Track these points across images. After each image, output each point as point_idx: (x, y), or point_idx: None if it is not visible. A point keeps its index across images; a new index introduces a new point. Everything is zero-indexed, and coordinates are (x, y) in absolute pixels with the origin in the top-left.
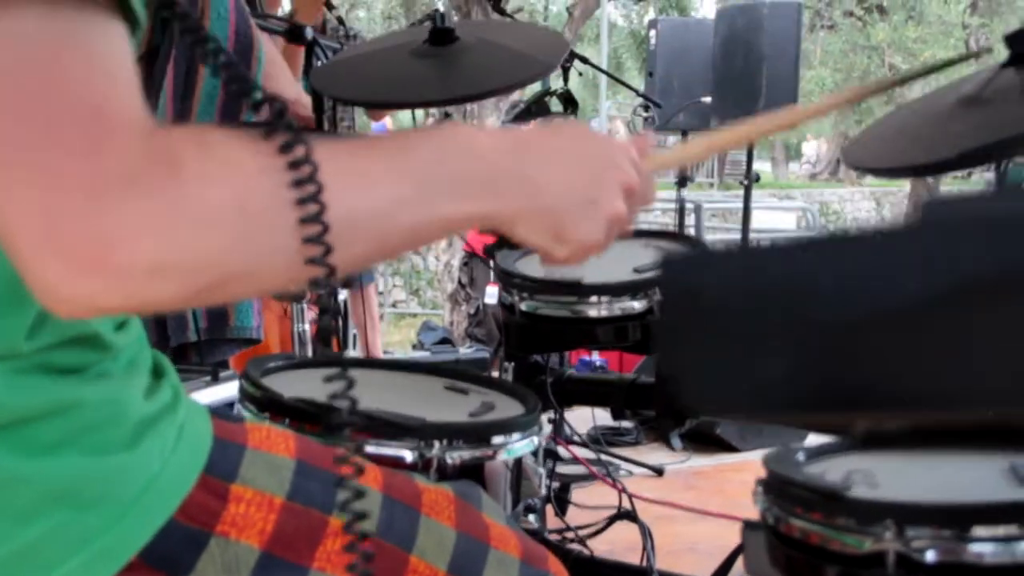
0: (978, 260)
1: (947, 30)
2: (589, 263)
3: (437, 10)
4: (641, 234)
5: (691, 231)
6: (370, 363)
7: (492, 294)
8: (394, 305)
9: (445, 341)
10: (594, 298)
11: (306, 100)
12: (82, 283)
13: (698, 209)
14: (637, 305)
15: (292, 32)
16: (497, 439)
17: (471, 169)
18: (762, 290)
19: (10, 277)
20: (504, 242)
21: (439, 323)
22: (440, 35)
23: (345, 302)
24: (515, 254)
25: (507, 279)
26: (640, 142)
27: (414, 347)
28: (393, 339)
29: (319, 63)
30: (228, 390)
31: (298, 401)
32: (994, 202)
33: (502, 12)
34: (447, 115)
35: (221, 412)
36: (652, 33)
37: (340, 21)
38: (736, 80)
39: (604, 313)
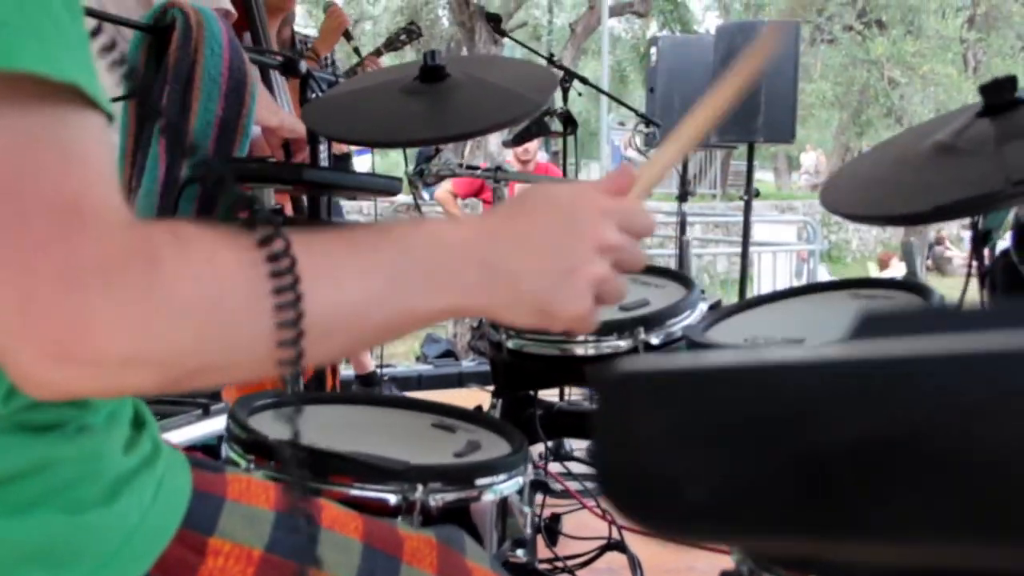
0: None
1: (945, 44)
2: None
3: (433, 51)
4: None
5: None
6: (359, 399)
7: None
8: None
9: (448, 354)
10: (580, 337)
11: (292, 124)
12: (56, 371)
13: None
14: (623, 344)
15: (287, 65)
16: (482, 480)
17: (442, 265)
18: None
19: None
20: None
21: (443, 335)
22: (430, 72)
23: None
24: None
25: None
26: (616, 180)
27: (417, 359)
28: (397, 350)
29: (314, 96)
30: (218, 424)
31: (282, 444)
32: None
33: (502, 33)
34: (437, 150)
35: (204, 461)
36: (653, 50)
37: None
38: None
39: (591, 352)
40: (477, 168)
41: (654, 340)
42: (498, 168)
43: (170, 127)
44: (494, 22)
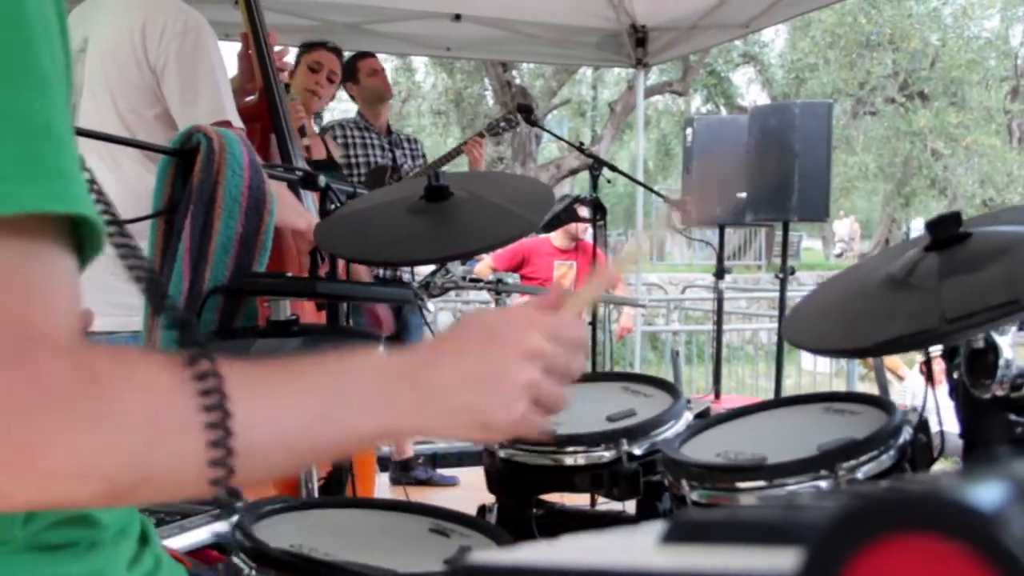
0: None
1: (988, 115)
2: (566, 408)
3: (438, 172)
4: (618, 377)
5: (728, 318)
6: (360, 503)
7: None
8: None
9: None
10: (570, 447)
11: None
12: (10, 485)
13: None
14: (607, 455)
15: (306, 180)
16: None
17: (375, 388)
18: None
19: None
20: None
21: None
22: (435, 192)
23: None
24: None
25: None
26: (547, 299)
27: None
28: None
29: (333, 207)
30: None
31: (284, 553)
32: None
33: (533, 123)
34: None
35: (204, 570)
36: (688, 131)
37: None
38: (769, 177)
39: (581, 461)
40: (480, 281)
41: (637, 451)
42: (499, 281)
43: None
44: (526, 112)
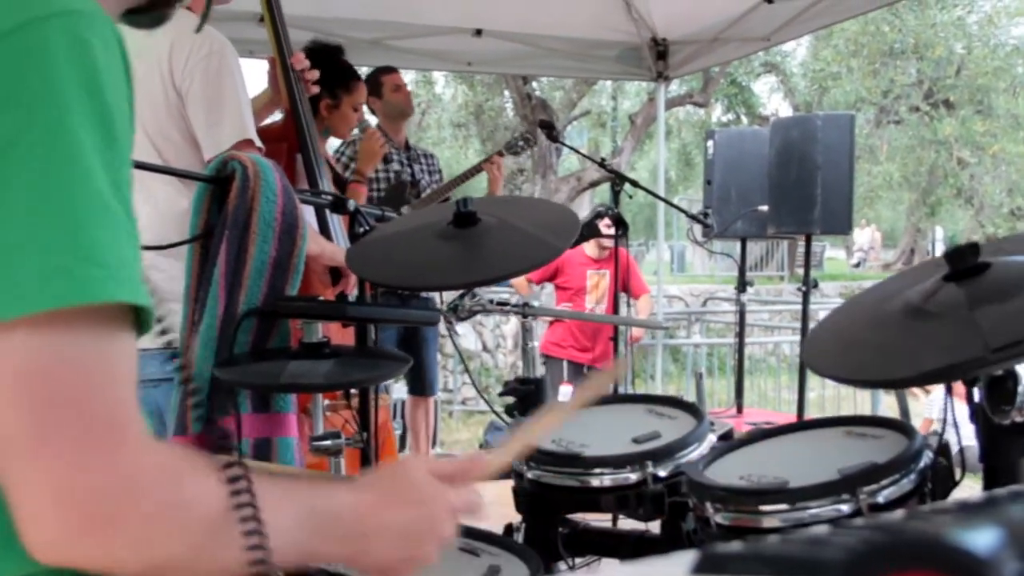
0: None
1: (1016, 123)
2: (592, 431)
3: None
4: (643, 399)
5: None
6: None
7: (566, 393)
8: (463, 402)
9: None
10: (597, 469)
11: (332, 252)
12: (71, 548)
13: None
14: (633, 476)
15: (335, 204)
16: None
17: (334, 526)
18: None
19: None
20: (523, 408)
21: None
22: (463, 218)
23: (403, 402)
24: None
25: None
26: (464, 469)
27: (480, 447)
28: (462, 436)
29: (362, 230)
30: None
31: (319, 571)
32: None
33: (554, 139)
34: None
35: None
36: (709, 143)
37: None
38: (791, 190)
39: (607, 483)
40: (507, 304)
41: (662, 472)
42: (526, 304)
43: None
44: (548, 128)
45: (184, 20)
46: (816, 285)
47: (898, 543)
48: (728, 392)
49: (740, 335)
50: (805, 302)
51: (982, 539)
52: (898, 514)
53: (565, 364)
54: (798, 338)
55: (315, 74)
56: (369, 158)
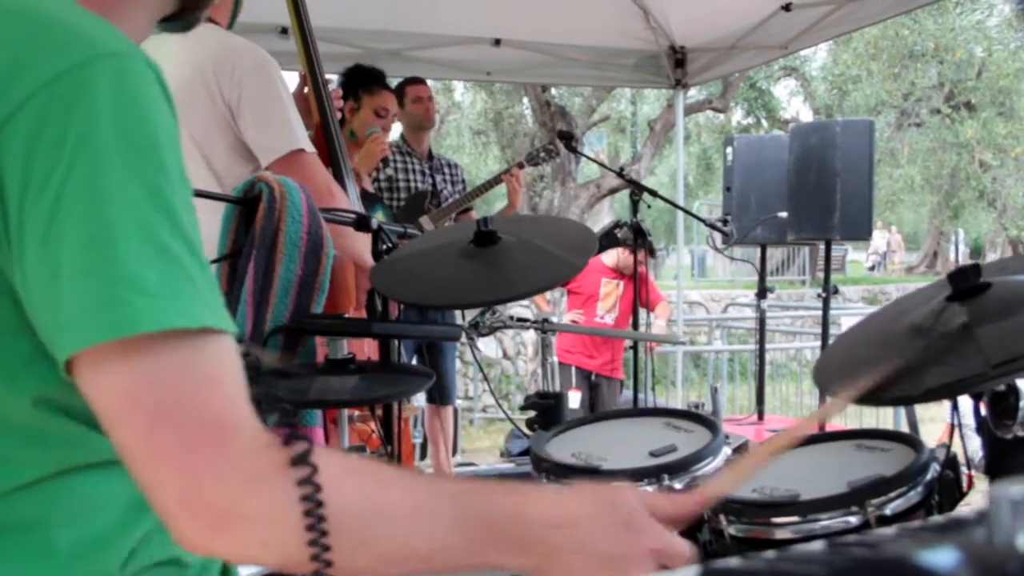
0: None
1: None
2: (611, 445)
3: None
4: (661, 413)
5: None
6: None
7: (574, 399)
8: (484, 410)
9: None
10: (615, 483)
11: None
12: (205, 541)
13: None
14: (649, 489)
15: (359, 222)
16: None
17: (523, 537)
18: None
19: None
20: (543, 422)
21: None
22: (484, 237)
23: (423, 411)
24: (545, 435)
25: (537, 461)
26: (679, 504)
27: (502, 455)
28: (483, 444)
29: (384, 248)
30: None
31: None
32: None
33: (572, 150)
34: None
35: None
36: (728, 150)
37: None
38: (811, 196)
39: None
40: (526, 320)
41: (677, 485)
42: (545, 320)
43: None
44: (567, 139)
45: (216, 36)
46: (836, 291)
47: (872, 562)
48: (749, 397)
49: (760, 342)
50: (825, 308)
51: (942, 559)
52: (888, 532)
53: (573, 370)
54: (819, 343)
55: (339, 93)
56: (367, 158)
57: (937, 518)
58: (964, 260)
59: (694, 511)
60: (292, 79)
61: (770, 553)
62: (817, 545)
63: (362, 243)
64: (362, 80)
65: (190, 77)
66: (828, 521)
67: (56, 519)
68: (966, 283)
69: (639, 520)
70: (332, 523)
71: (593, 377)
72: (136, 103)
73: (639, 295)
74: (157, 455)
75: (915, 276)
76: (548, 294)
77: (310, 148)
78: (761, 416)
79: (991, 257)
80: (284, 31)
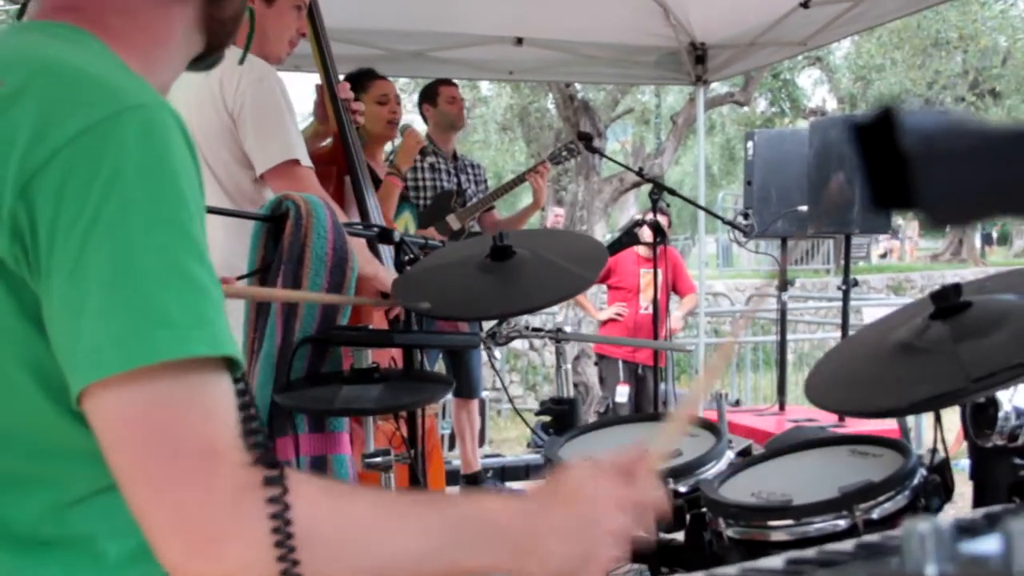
0: None
1: None
2: (618, 449)
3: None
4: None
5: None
6: None
7: (623, 393)
8: (511, 401)
9: None
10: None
11: (384, 279)
12: (199, 567)
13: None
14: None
15: (382, 235)
16: None
17: (489, 532)
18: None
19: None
20: (558, 426)
21: None
22: (500, 252)
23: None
24: (559, 440)
25: (548, 465)
26: (630, 465)
27: (528, 446)
28: (510, 435)
29: (407, 258)
30: None
31: None
32: None
33: (593, 150)
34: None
35: None
36: (749, 144)
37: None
38: (831, 189)
39: None
40: (541, 330)
41: (682, 488)
42: (559, 330)
43: None
44: (587, 140)
45: (229, 52)
46: (856, 283)
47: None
48: (772, 387)
49: (782, 334)
50: (845, 301)
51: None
52: (810, 553)
53: (620, 364)
54: (841, 334)
55: (361, 105)
56: (406, 154)
57: (858, 541)
58: (991, 248)
59: (646, 464)
60: (311, 80)
61: (766, 560)
62: (776, 561)
63: (362, 258)
64: (353, 83)
65: (201, 96)
66: (820, 524)
67: (104, 531)
68: (948, 302)
69: (586, 486)
70: (300, 538)
71: (640, 370)
72: (160, 147)
73: (670, 282)
74: (149, 482)
75: (940, 264)
76: (593, 298)
77: (306, 161)
78: (783, 407)
79: (1018, 244)
80: (303, 35)
